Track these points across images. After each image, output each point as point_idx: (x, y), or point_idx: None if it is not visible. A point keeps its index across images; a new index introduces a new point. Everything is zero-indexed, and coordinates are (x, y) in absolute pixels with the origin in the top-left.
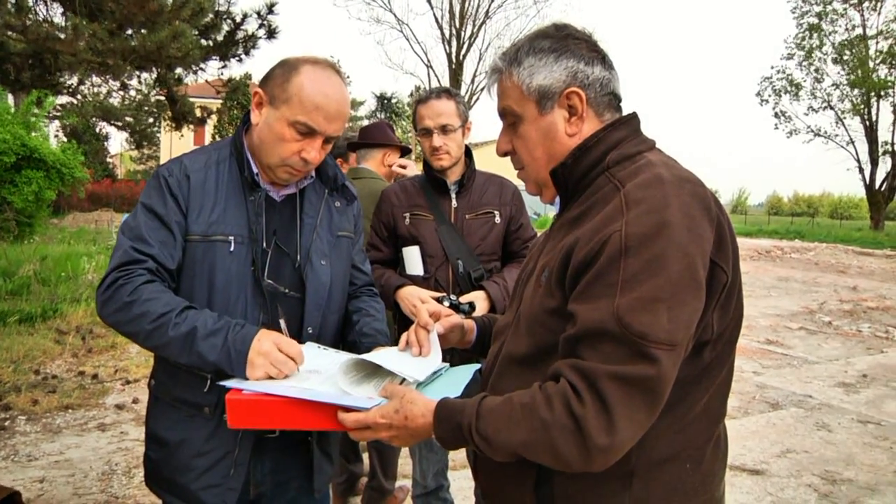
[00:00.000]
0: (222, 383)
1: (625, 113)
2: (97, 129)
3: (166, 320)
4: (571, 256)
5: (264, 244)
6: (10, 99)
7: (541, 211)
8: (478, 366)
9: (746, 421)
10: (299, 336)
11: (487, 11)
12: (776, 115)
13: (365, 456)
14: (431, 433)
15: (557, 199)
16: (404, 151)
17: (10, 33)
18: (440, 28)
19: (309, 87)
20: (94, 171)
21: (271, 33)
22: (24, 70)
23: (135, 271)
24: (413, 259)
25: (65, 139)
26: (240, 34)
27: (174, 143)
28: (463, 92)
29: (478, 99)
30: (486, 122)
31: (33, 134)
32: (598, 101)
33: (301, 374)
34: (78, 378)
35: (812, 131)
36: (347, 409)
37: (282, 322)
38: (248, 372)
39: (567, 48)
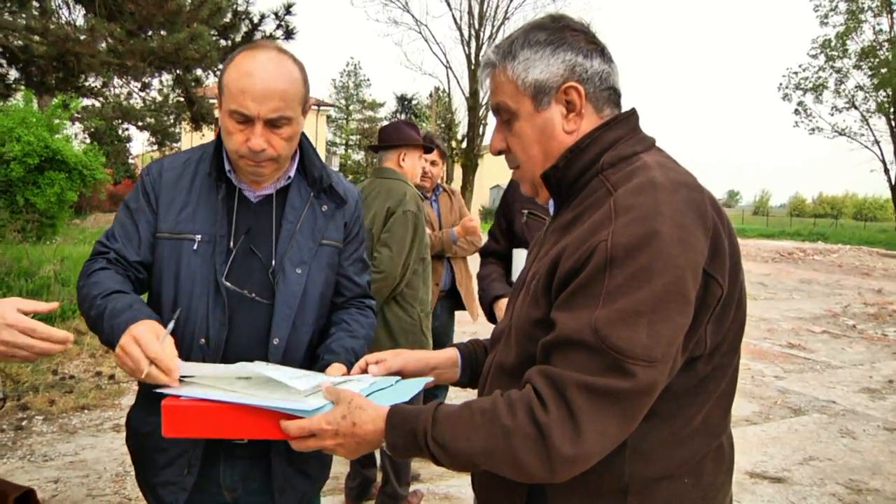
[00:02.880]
0: (159, 390)
1: (624, 109)
2: (119, 131)
3: (95, 302)
4: (558, 266)
5: (230, 244)
6: (35, 102)
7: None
8: (428, 379)
9: (767, 427)
10: (265, 346)
11: (506, 12)
12: (796, 112)
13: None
14: (381, 441)
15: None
16: (428, 149)
17: (34, 37)
18: (459, 29)
19: (234, 73)
20: (115, 172)
21: (289, 34)
22: (48, 73)
23: (95, 261)
24: (519, 263)
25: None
26: (258, 35)
27: (194, 144)
28: (482, 93)
29: None
30: None
31: (56, 136)
32: (598, 97)
33: (232, 380)
34: (95, 378)
35: (836, 130)
36: (290, 417)
37: (171, 323)
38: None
39: (564, 40)
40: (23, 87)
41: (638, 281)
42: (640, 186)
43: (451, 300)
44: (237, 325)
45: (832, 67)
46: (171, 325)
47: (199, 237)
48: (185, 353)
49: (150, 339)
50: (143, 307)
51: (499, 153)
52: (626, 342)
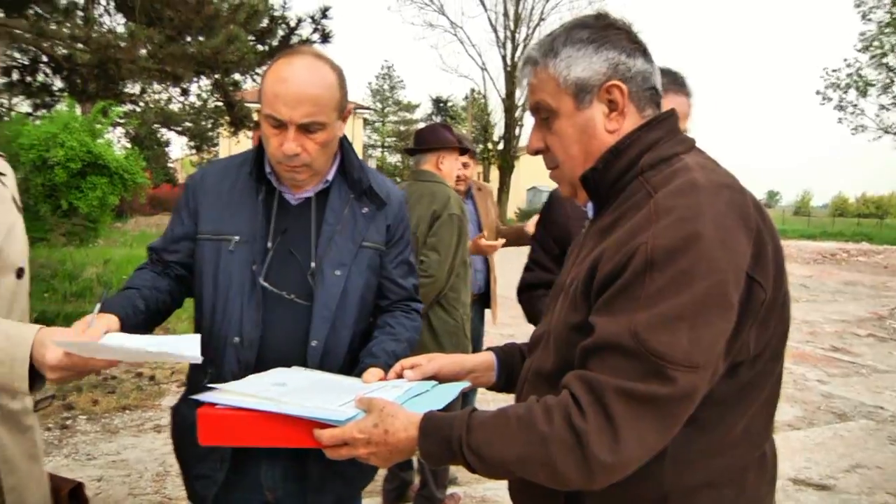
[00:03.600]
0: (195, 397)
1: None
2: (158, 135)
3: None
4: (597, 269)
5: (267, 244)
6: (78, 108)
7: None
8: (465, 384)
9: (811, 432)
10: (304, 348)
11: (542, 13)
12: (840, 108)
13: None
14: (415, 449)
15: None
16: (463, 151)
17: (77, 45)
18: (495, 31)
19: (270, 78)
20: (154, 176)
21: (325, 38)
22: (90, 80)
23: (142, 265)
24: None
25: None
26: (294, 39)
27: (232, 148)
28: (518, 94)
29: None
30: None
31: (98, 141)
32: (640, 96)
33: (267, 386)
34: (136, 379)
35: (882, 129)
36: (323, 425)
37: (96, 307)
38: None
39: (608, 39)
40: (66, 95)
41: (679, 285)
42: (680, 188)
43: (482, 303)
44: (273, 326)
45: (883, 64)
46: (97, 307)
47: (236, 237)
48: (220, 351)
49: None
50: (129, 295)
51: (536, 153)
52: (667, 347)
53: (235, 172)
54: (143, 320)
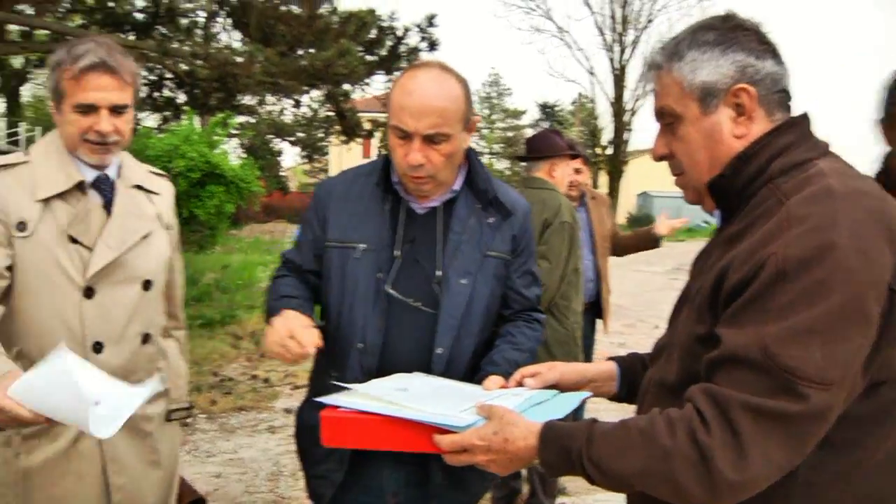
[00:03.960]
0: (319, 399)
1: (794, 114)
2: (271, 145)
3: (269, 304)
4: (725, 279)
5: (394, 253)
6: (197, 120)
7: (711, 219)
8: (586, 394)
9: None
10: (429, 355)
11: (650, 15)
12: None
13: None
14: (534, 458)
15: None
16: (575, 157)
17: (197, 61)
18: (602, 34)
19: (397, 90)
20: (268, 185)
21: (432, 45)
22: (210, 94)
23: (279, 270)
24: None
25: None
26: (402, 48)
27: (343, 157)
28: (627, 98)
29: (642, 105)
30: (650, 129)
31: (216, 151)
32: (769, 99)
33: (389, 391)
34: (251, 381)
35: None
36: (443, 431)
37: (318, 323)
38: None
39: (735, 40)
40: (188, 109)
41: (812, 297)
42: (814, 195)
43: (593, 312)
44: (397, 333)
45: None
46: (319, 323)
47: (362, 245)
48: (344, 356)
49: (293, 320)
50: (298, 303)
51: (661, 158)
52: (798, 362)
53: (363, 182)
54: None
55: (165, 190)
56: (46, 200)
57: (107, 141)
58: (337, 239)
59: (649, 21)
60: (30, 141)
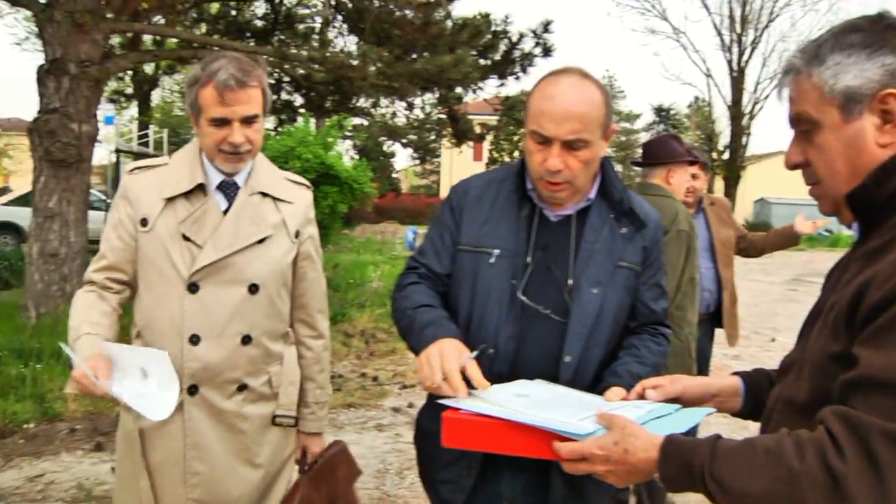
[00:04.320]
0: (440, 401)
1: None
2: (384, 147)
3: (406, 313)
4: (864, 296)
5: (527, 259)
6: (312, 123)
7: (833, 228)
8: (710, 410)
9: None
10: (556, 363)
11: (771, 13)
12: None
13: None
14: (653, 471)
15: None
16: (693, 163)
17: (314, 65)
18: (719, 35)
19: (537, 96)
20: (380, 186)
21: (547, 51)
22: (326, 97)
23: (408, 276)
24: None
25: (356, 156)
26: (516, 53)
27: (454, 159)
28: (745, 101)
29: (762, 108)
30: (769, 133)
31: (330, 153)
32: None
33: (510, 396)
34: (360, 379)
35: None
36: (563, 438)
37: (476, 352)
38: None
39: (885, 42)
40: (304, 111)
41: None
42: None
43: (712, 322)
44: (527, 340)
45: None
46: (475, 353)
47: (496, 251)
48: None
49: (450, 356)
50: (448, 324)
51: (795, 167)
52: None
53: (497, 187)
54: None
55: (299, 199)
56: (171, 199)
57: (239, 151)
58: (470, 244)
59: (770, 20)
60: (157, 142)
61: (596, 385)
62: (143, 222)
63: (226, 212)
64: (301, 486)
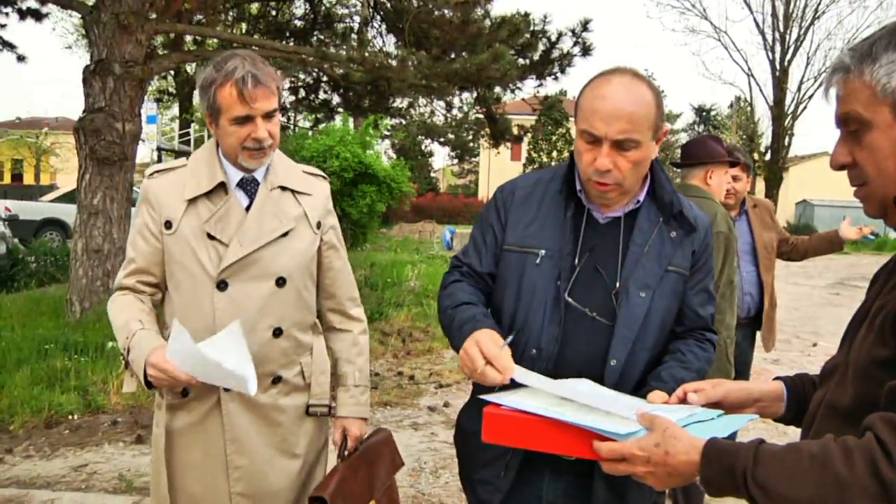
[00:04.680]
0: (482, 396)
1: None
2: (422, 146)
3: (447, 311)
4: None
5: (574, 261)
6: (351, 122)
7: (880, 230)
8: (752, 416)
9: None
10: (602, 367)
11: (816, 10)
12: None
13: None
14: (695, 474)
15: None
16: (733, 164)
17: (352, 65)
18: (761, 33)
19: (588, 95)
20: (418, 185)
21: (586, 50)
22: (364, 97)
23: (451, 274)
24: None
25: (394, 156)
26: (555, 53)
27: (492, 159)
28: (788, 101)
29: (805, 107)
30: (813, 133)
31: (368, 152)
32: None
33: (552, 395)
34: (397, 378)
35: None
36: (604, 437)
37: (510, 337)
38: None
39: None
40: (341, 111)
41: None
42: None
43: (752, 327)
44: (573, 342)
45: None
46: (509, 339)
47: (542, 252)
48: (517, 361)
49: (489, 343)
50: (486, 319)
51: (841, 168)
52: None
53: (545, 187)
54: None
55: (318, 191)
56: (193, 200)
57: (263, 146)
58: (516, 244)
59: (815, 17)
60: (199, 141)
61: (640, 389)
62: (168, 225)
63: (248, 208)
64: (339, 470)
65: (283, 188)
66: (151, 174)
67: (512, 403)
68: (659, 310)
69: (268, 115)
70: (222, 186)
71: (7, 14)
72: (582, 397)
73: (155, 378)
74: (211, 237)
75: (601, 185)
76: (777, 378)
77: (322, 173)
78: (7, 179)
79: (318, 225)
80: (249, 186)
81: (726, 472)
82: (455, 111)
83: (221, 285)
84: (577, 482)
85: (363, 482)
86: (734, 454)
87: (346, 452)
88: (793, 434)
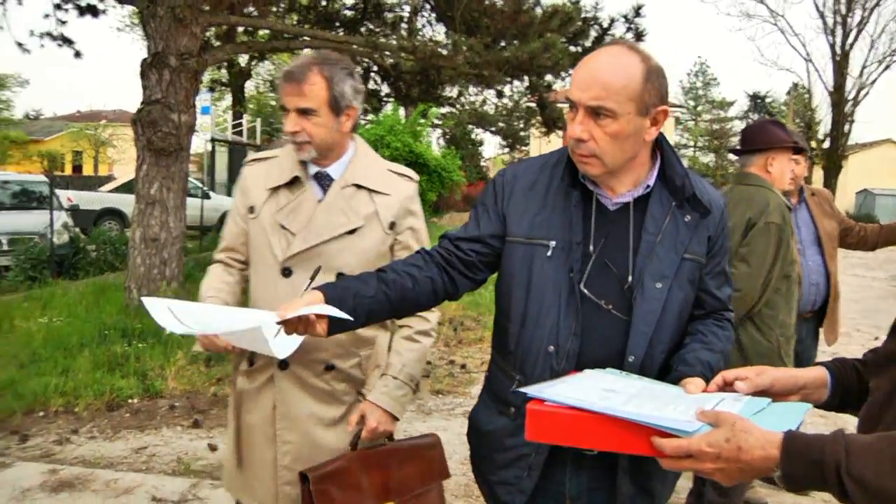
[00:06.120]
0: (522, 390)
1: None
2: (473, 135)
3: None
4: None
5: (588, 249)
6: (402, 111)
7: None
8: (808, 406)
9: None
10: (620, 362)
11: None
12: None
13: None
14: (771, 469)
15: None
16: (797, 150)
17: (402, 54)
18: (822, 17)
19: (579, 64)
20: (468, 174)
21: (639, 36)
22: (413, 86)
23: (432, 248)
24: None
25: (444, 145)
26: (607, 39)
27: (543, 148)
28: (849, 87)
29: (867, 93)
30: (877, 121)
31: (419, 142)
32: None
33: (596, 388)
34: (448, 366)
35: None
36: (662, 433)
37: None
38: None
39: None
40: (391, 100)
41: None
42: None
43: (816, 321)
44: (590, 337)
45: None
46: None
47: (553, 243)
48: (530, 359)
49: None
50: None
51: None
52: None
53: (549, 173)
54: (367, 303)
55: (398, 191)
56: (275, 189)
57: (296, 140)
58: (523, 235)
59: None
60: (251, 132)
61: (662, 377)
62: (251, 210)
63: (321, 202)
64: (343, 459)
65: (359, 186)
66: (249, 162)
67: (556, 397)
68: (676, 301)
69: (303, 112)
70: (299, 179)
71: (66, 10)
72: (626, 390)
73: (200, 341)
74: (282, 226)
75: (579, 155)
76: (818, 363)
77: (411, 173)
78: (68, 171)
79: (392, 225)
80: (324, 181)
81: (814, 467)
82: (506, 99)
83: (286, 272)
84: (600, 475)
85: (375, 482)
86: (820, 448)
87: (357, 441)
88: (832, 421)
